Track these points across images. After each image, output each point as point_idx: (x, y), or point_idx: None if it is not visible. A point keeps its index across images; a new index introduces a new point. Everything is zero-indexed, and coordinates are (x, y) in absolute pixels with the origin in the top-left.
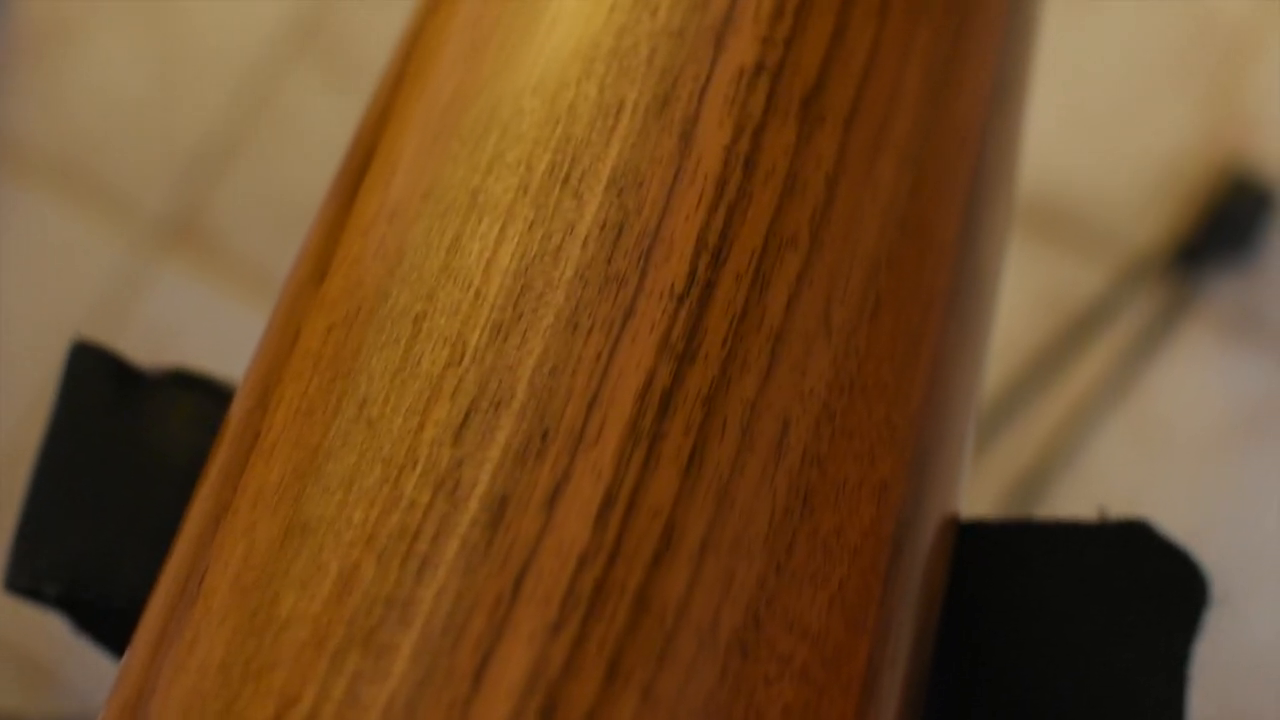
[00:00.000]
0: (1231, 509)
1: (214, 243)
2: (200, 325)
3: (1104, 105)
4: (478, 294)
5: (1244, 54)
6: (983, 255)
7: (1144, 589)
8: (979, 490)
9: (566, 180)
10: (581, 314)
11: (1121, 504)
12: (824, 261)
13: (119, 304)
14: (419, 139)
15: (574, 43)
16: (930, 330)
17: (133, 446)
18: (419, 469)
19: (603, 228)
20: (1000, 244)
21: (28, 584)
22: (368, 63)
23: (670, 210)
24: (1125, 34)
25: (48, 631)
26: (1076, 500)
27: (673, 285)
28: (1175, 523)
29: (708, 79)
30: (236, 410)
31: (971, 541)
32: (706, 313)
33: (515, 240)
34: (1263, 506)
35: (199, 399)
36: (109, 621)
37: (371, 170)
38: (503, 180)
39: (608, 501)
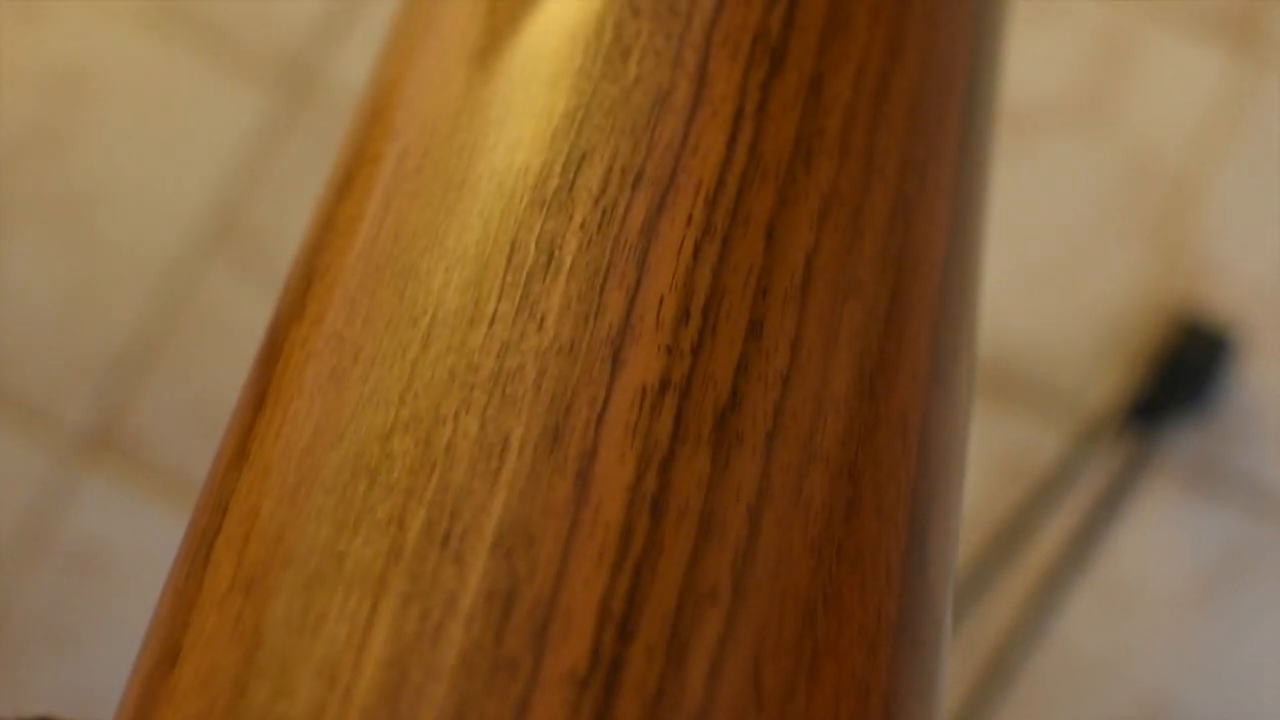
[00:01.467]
0: (1203, 662)
1: (138, 450)
2: (128, 536)
3: (1050, 259)
4: (346, 693)
5: (1187, 196)
6: (935, 567)
7: None
8: (952, 665)
9: (446, 541)
10: (468, 711)
11: (1094, 667)
12: (750, 615)
13: (44, 518)
14: (277, 489)
15: (449, 366)
16: (878, 675)
17: None
18: None
19: (489, 599)
20: (954, 544)
21: None
22: (285, 259)
23: (567, 573)
24: (1066, 186)
25: None
26: (1050, 668)
27: (573, 669)
28: (1148, 681)
29: (605, 403)
30: None
31: None
32: (615, 700)
33: (388, 621)
34: (1234, 658)
35: None
36: None
37: (225, 529)
38: (372, 543)
39: None
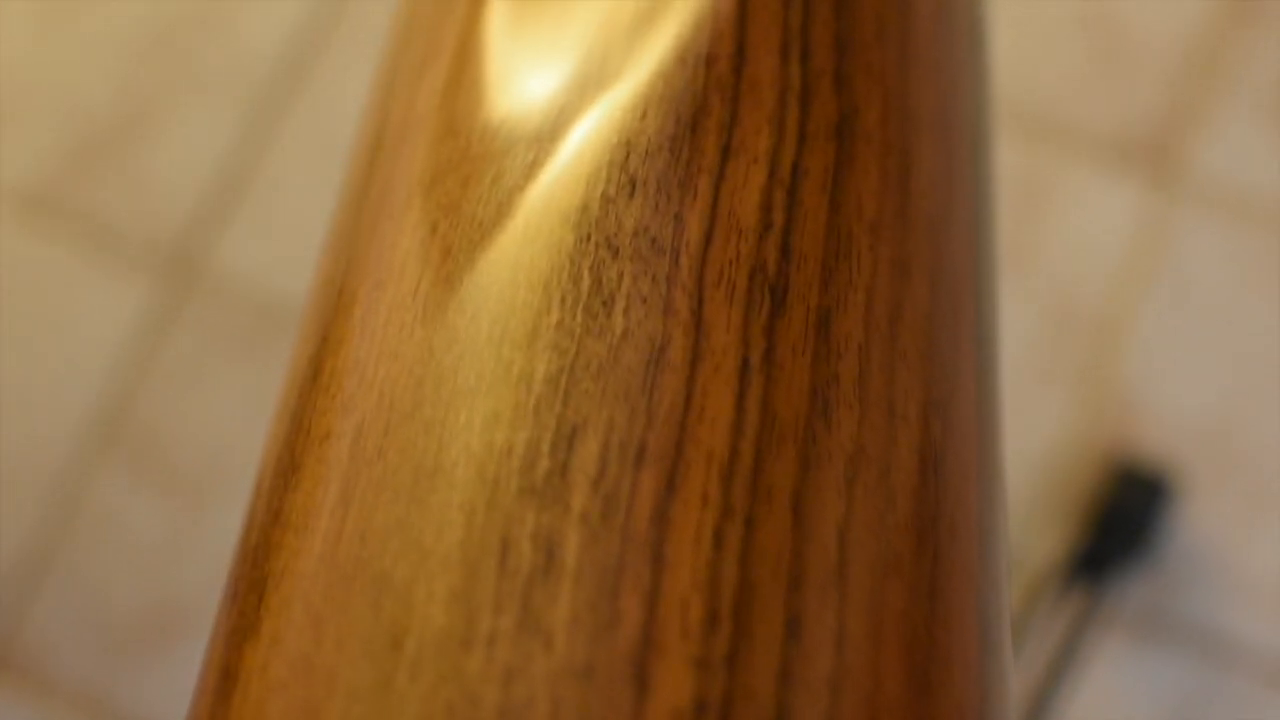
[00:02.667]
0: None
1: (37, 667)
2: None
3: None
4: None
5: (1110, 337)
6: None
7: None
8: None
9: None
10: None
11: None
12: None
13: None
14: None
15: (446, 700)
16: None
17: None
18: None
19: None
20: None
21: None
22: (178, 457)
23: None
24: None
25: None
26: None
27: None
28: None
29: None
30: None
31: None
32: None
33: None
34: None
35: None
36: None
37: None
38: None
39: None
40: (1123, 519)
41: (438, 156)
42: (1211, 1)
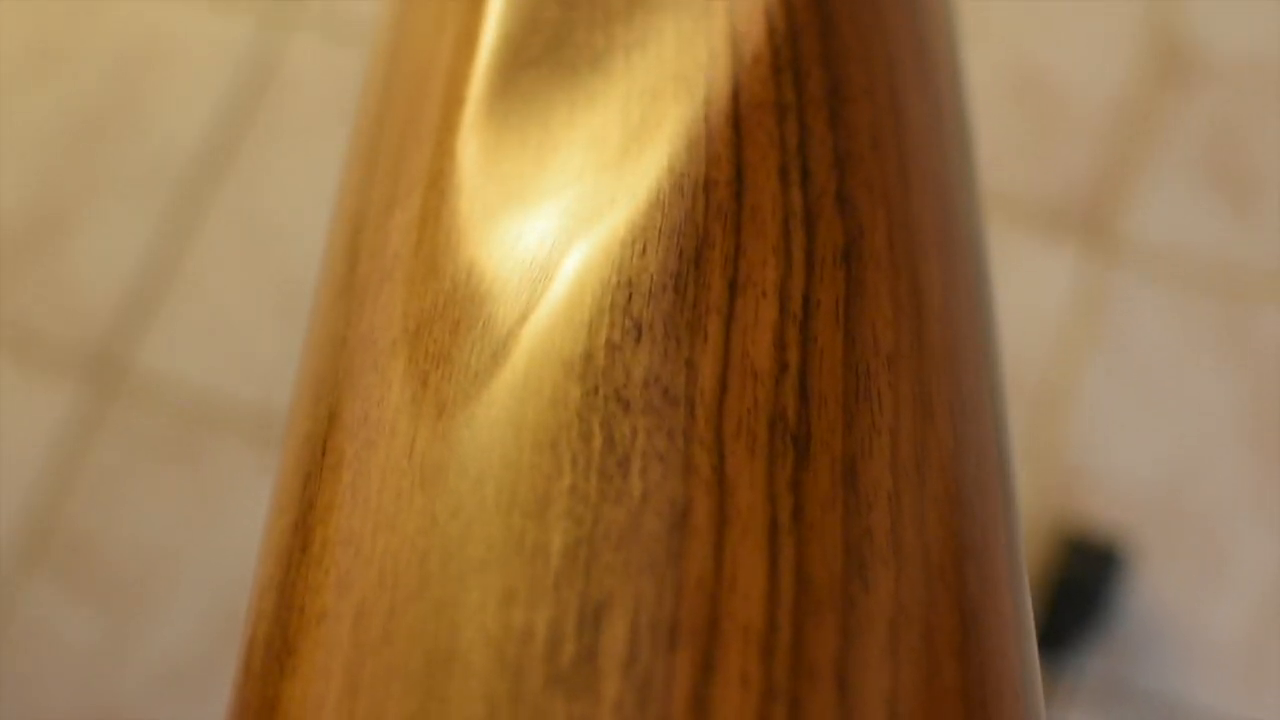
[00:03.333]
0: None
1: None
2: None
3: None
4: None
5: (1051, 409)
6: None
7: None
8: None
9: None
10: None
11: None
12: None
13: None
14: None
15: None
16: None
17: None
18: None
19: None
20: None
21: None
22: (111, 564)
23: None
24: None
25: None
26: None
27: None
28: None
29: None
30: None
31: None
32: None
33: None
34: None
35: None
36: None
37: None
38: None
39: None
40: (1076, 591)
41: (421, 300)
42: (1142, 64)
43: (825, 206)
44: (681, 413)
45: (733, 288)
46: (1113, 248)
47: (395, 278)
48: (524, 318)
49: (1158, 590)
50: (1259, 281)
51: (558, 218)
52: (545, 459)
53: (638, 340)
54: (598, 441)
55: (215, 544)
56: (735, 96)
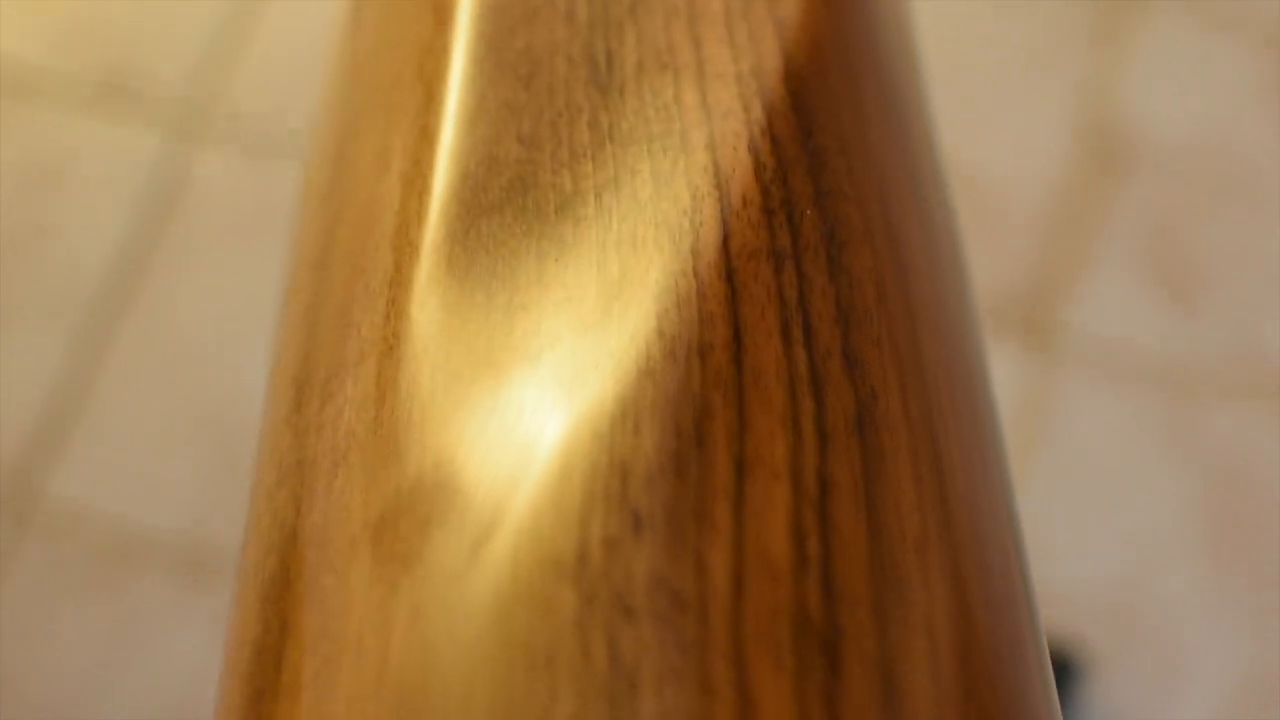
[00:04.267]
0: None
1: None
2: None
3: None
4: None
5: None
6: None
7: None
8: None
9: None
10: None
11: None
12: None
13: None
14: None
15: None
16: None
17: None
18: None
19: None
20: None
21: None
22: (24, 706)
23: None
24: None
25: None
26: None
27: None
28: None
29: None
30: None
31: None
32: None
33: None
34: None
35: None
36: None
37: None
38: None
39: None
40: None
41: (383, 489)
42: (1076, 155)
43: (833, 368)
44: (694, 620)
45: (740, 467)
46: (1055, 345)
47: (351, 461)
48: (505, 510)
49: (1115, 700)
50: (1206, 376)
51: (535, 391)
52: (541, 680)
53: (637, 533)
54: (600, 658)
55: (135, 685)
56: (726, 244)
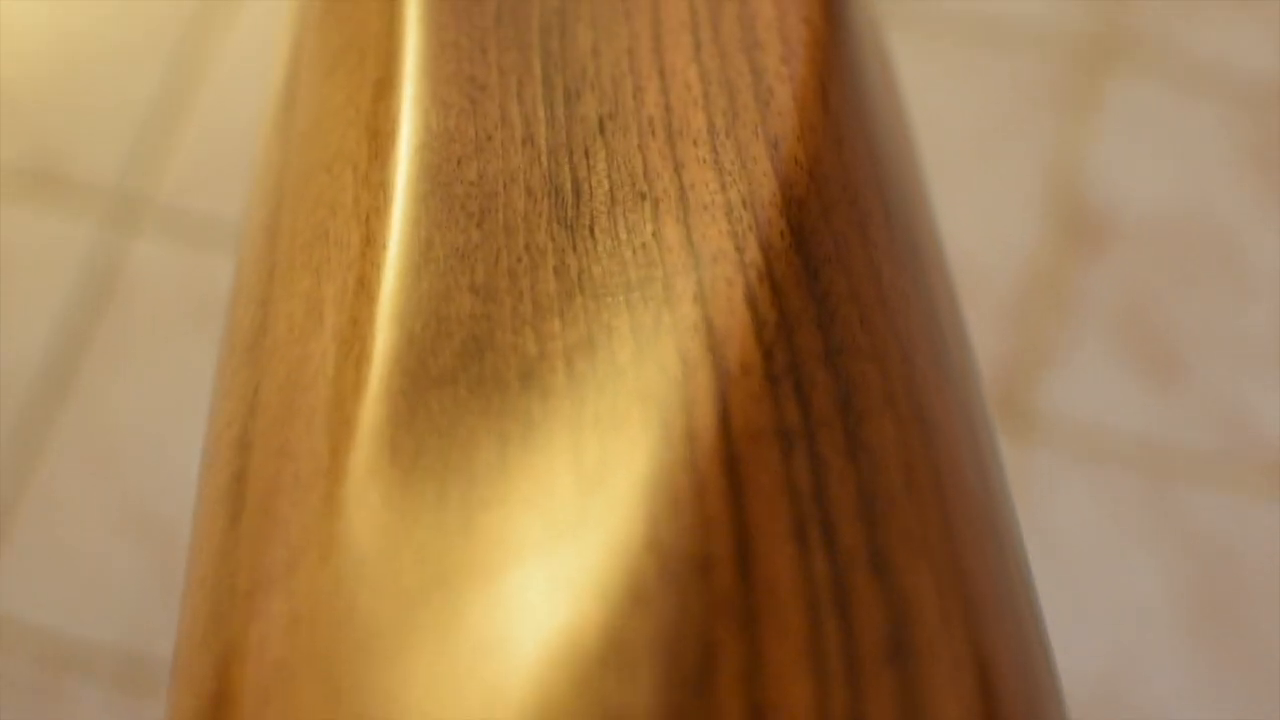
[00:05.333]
0: None
1: None
2: None
3: None
4: None
5: None
6: None
7: None
8: None
9: None
10: None
11: None
12: None
13: None
14: None
15: None
16: None
17: None
18: None
19: None
20: None
21: None
22: None
23: None
24: None
25: None
26: None
27: None
28: None
29: None
30: None
31: None
32: None
33: None
34: None
35: None
36: None
37: None
38: None
39: None
40: None
41: None
42: (1046, 231)
43: (859, 579)
44: None
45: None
46: (1031, 428)
47: (276, 701)
48: None
49: None
50: (1188, 457)
51: (502, 618)
52: None
53: None
54: None
55: None
56: (725, 425)
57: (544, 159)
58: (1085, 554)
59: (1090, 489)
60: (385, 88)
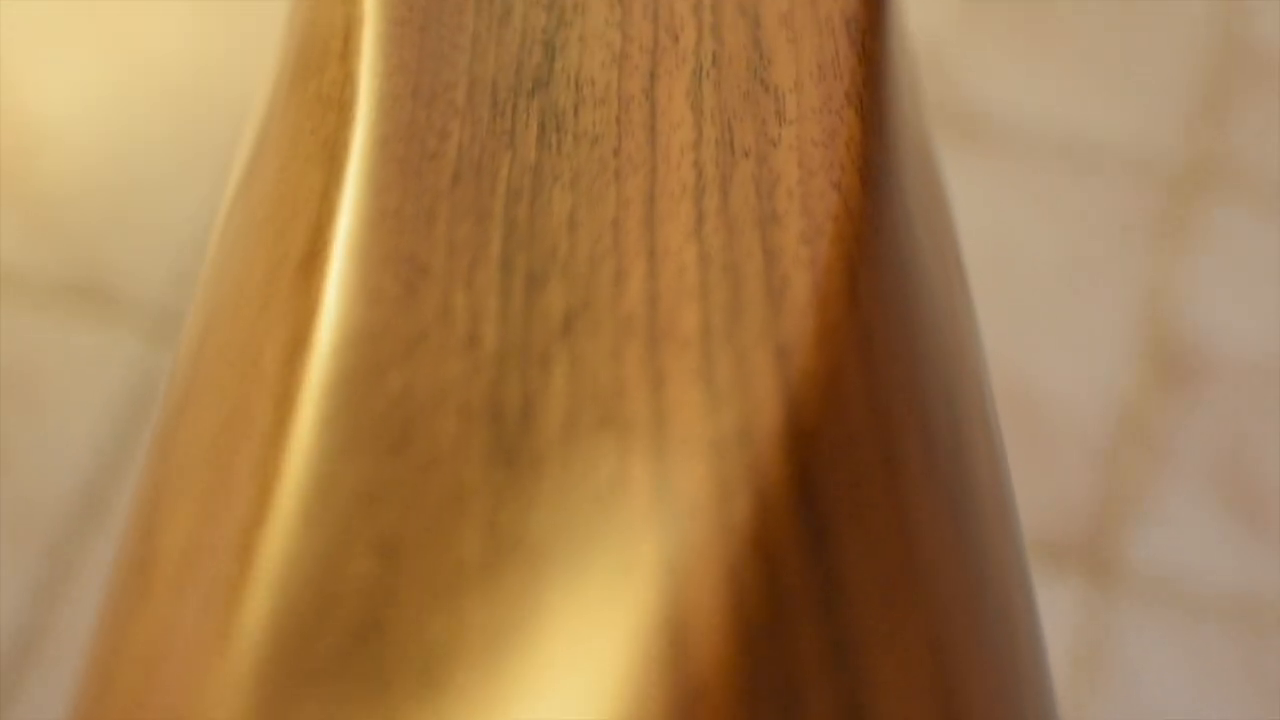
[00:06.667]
0: None
1: None
2: None
3: None
4: None
5: None
6: None
7: None
8: None
9: None
10: None
11: None
12: None
13: None
14: None
15: None
16: None
17: None
18: None
19: None
20: None
21: None
22: None
23: None
24: None
25: None
26: None
27: None
28: None
29: None
30: None
31: None
32: None
33: None
34: None
35: None
36: None
37: None
38: None
39: None
40: None
41: None
42: (1141, 369)
43: None
44: None
45: None
46: (1120, 580)
47: None
48: None
49: None
50: None
51: None
52: None
53: None
54: None
55: None
56: None
57: (488, 368)
58: (1171, 706)
59: (1182, 645)
60: (306, 270)
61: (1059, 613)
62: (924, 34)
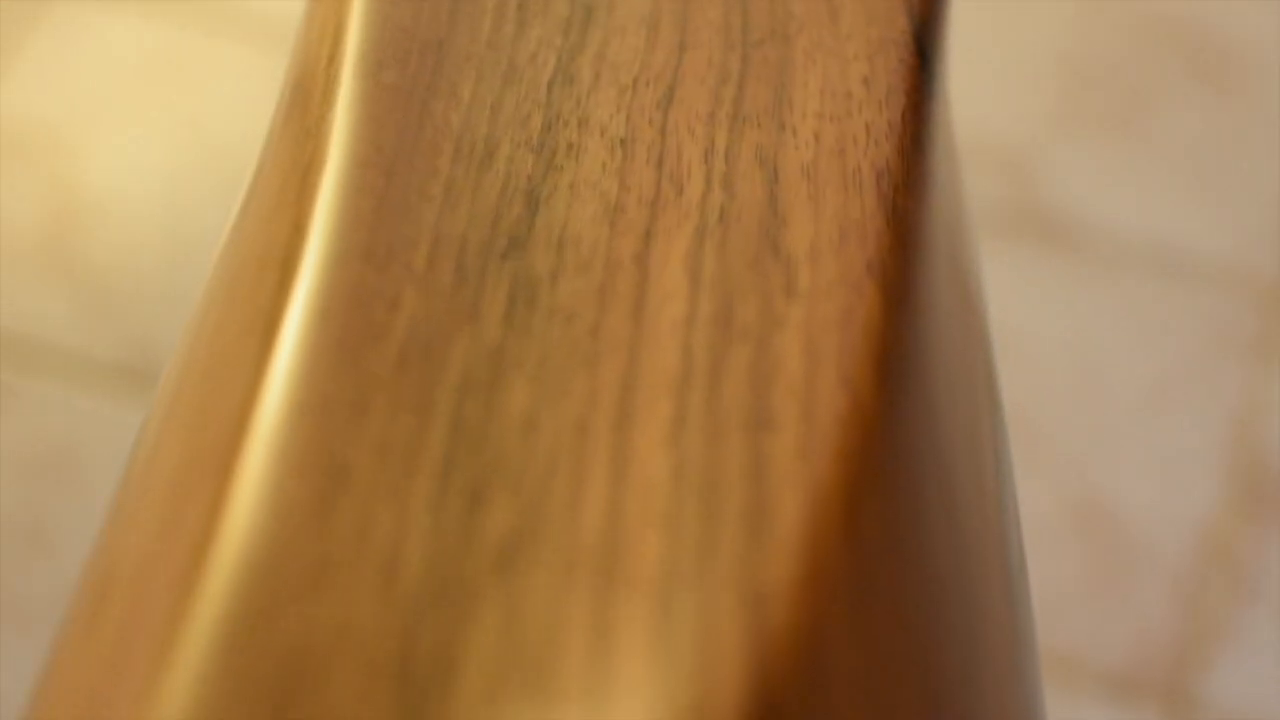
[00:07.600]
0: None
1: None
2: None
3: None
4: None
5: None
6: None
7: None
8: None
9: None
10: None
11: None
12: None
13: None
14: None
15: None
16: None
17: None
18: None
19: None
20: None
21: None
22: None
23: None
24: None
25: None
26: None
27: None
28: None
29: None
30: None
31: None
32: None
33: None
34: None
35: None
36: None
37: None
38: None
39: None
40: None
41: None
42: (1227, 493)
43: None
44: None
45: None
46: (1199, 718)
47: None
48: None
49: None
50: None
51: None
52: None
53: None
54: None
55: None
56: None
57: (404, 610)
58: None
59: None
60: (219, 469)
61: None
62: (1014, 132)
